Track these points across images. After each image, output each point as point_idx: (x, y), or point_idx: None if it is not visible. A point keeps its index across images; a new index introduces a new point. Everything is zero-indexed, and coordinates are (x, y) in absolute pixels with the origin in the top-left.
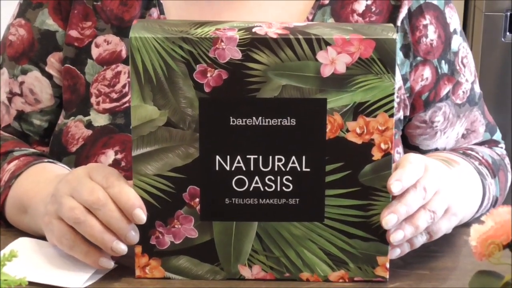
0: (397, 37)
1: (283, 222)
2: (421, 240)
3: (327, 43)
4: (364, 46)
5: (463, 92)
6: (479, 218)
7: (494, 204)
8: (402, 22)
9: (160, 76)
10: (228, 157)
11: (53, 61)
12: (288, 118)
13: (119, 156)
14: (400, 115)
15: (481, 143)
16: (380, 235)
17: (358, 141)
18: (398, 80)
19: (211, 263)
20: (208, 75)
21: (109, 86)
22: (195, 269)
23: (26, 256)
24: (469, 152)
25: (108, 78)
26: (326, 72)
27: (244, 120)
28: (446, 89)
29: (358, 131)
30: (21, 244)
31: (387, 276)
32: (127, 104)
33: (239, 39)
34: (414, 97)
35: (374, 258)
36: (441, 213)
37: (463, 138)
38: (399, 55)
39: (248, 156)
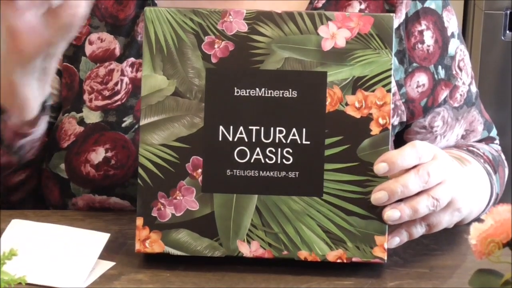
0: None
1: (283, 196)
2: (420, 231)
3: (328, 18)
4: (363, 22)
5: (461, 95)
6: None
7: (495, 201)
8: (398, 27)
9: (170, 46)
10: (231, 127)
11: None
12: (290, 90)
13: (109, 154)
14: (395, 120)
15: (479, 141)
16: (378, 214)
17: (357, 115)
18: (393, 86)
19: (210, 238)
20: (216, 46)
21: (102, 83)
22: (194, 244)
23: (23, 253)
24: (471, 149)
25: (101, 75)
26: (327, 46)
27: (247, 91)
28: (443, 94)
29: (357, 105)
30: (16, 231)
31: (385, 258)
32: (118, 102)
33: (246, 13)
34: (413, 104)
35: (372, 238)
36: (444, 203)
37: (463, 139)
38: (394, 62)
39: (250, 127)
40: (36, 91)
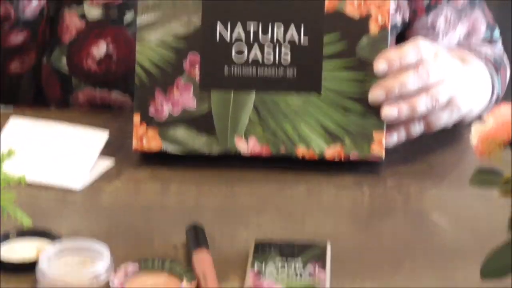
0: None
1: (281, 93)
2: (418, 129)
3: None
4: None
5: None
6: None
7: (496, 101)
8: None
9: None
10: (229, 24)
11: None
12: None
13: (111, 48)
14: (397, 19)
15: (481, 42)
16: (376, 111)
17: (356, 14)
18: None
19: (208, 135)
20: None
21: None
22: (192, 141)
23: (22, 152)
24: (473, 48)
25: None
26: None
27: None
28: None
29: (356, 3)
30: (14, 130)
31: (383, 155)
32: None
33: None
34: (416, 1)
35: (370, 135)
36: (443, 102)
37: (465, 39)
38: None
39: (248, 22)
40: None
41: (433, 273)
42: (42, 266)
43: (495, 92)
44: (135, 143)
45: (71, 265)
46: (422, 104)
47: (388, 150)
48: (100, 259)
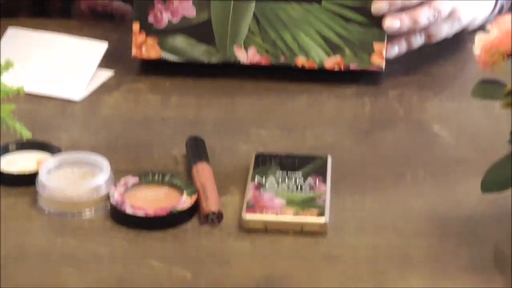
0: None
1: (281, 2)
2: (419, 41)
3: None
4: None
5: None
6: (484, 26)
7: (501, 11)
8: None
9: None
10: None
11: None
12: None
13: None
14: None
15: None
16: (378, 22)
17: None
18: None
19: (207, 44)
20: None
21: None
22: (191, 49)
23: (20, 63)
24: None
25: None
26: None
27: None
28: None
29: None
30: (12, 41)
31: (383, 66)
32: None
33: None
34: None
35: (370, 45)
36: (445, 14)
37: None
38: None
39: None
40: None
41: (434, 186)
42: (42, 178)
43: (499, 2)
44: (134, 51)
45: (71, 178)
46: (424, 16)
47: (389, 61)
48: (100, 172)
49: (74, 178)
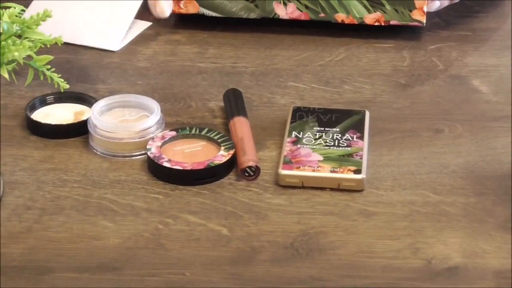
0: None
1: None
2: None
3: None
4: None
5: None
6: None
7: None
8: None
9: None
10: None
11: None
12: None
13: None
14: None
15: None
16: None
17: None
18: None
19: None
20: None
21: None
22: (230, 5)
23: (57, 14)
24: None
25: None
26: None
27: None
28: None
29: None
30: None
31: (424, 21)
32: None
33: None
34: None
35: (412, 1)
36: None
37: None
38: None
39: None
40: None
41: (472, 142)
42: (93, 119)
43: None
44: (173, 6)
45: (121, 119)
46: None
47: (429, 15)
48: (150, 114)
49: (124, 120)
